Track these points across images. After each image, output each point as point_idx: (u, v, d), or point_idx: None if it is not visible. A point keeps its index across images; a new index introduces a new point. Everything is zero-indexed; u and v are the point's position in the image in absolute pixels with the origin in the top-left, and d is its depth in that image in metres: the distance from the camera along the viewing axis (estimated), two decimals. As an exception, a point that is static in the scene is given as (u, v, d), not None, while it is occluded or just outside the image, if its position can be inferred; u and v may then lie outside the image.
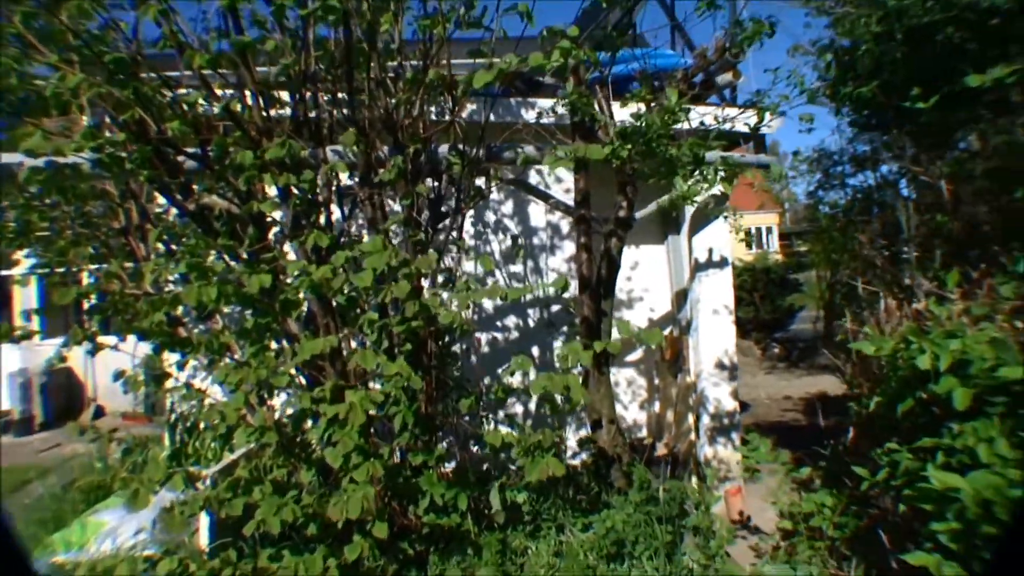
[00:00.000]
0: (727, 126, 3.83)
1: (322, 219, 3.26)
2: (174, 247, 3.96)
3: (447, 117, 3.76)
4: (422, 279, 3.20)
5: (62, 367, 11.06)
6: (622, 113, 4.26)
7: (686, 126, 3.70)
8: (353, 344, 3.58)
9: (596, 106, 3.73)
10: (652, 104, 3.79)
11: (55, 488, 3.98)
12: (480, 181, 3.86)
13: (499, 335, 5.86)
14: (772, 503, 5.10)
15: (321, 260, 2.94)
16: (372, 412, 2.59)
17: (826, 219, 8.62)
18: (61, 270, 4.77)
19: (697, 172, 3.48)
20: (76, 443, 9.67)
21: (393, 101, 3.24)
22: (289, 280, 3.13)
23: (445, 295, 3.03)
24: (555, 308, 5.99)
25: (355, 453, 2.76)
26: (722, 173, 3.83)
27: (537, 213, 6.08)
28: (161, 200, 4.94)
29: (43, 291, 11.67)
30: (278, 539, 3.33)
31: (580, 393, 2.63)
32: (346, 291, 2.76)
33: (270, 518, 2.66)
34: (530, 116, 5.06)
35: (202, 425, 4.75)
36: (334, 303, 3.07)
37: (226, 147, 2.79)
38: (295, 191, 3.02)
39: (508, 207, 6.04)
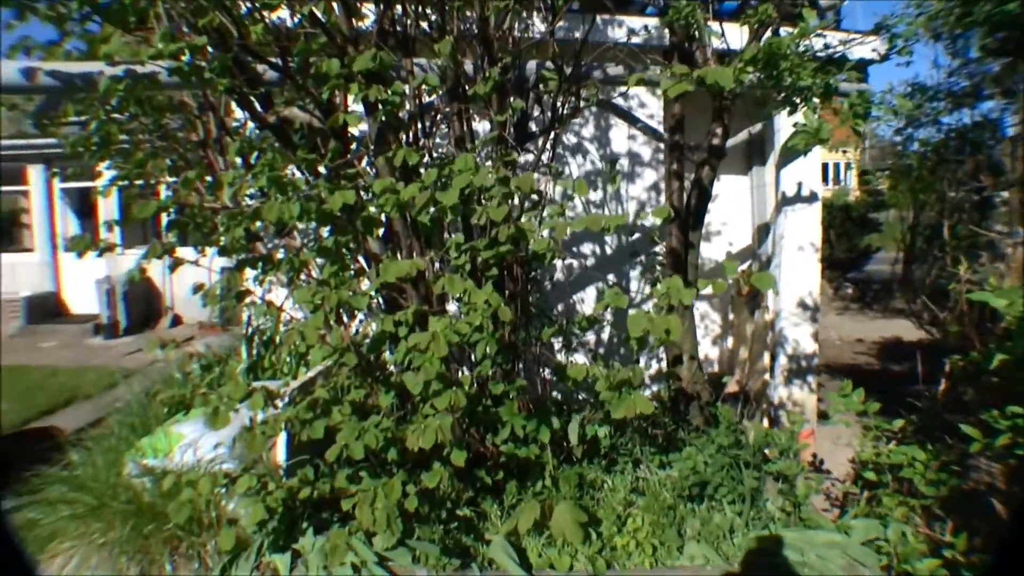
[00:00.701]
0: (851, 52, 3.41)
1: (408, 135, 3.09)
2: (251, 161, 3.87)
3: (540, 31, 3.50)
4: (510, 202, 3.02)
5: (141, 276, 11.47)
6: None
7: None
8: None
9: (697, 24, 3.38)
10: (759, 26, 3.42)
11: (139, 395, 4.09)
12: (570, 100, 3.60)
13: (574, 261, 5.69)
14: (850, 446, 4.89)
15: (406, 178, 2.79)
16: (456, 341, 2.48)
17: (915, 158, 8.11)
18: (139, 183, 4.79)
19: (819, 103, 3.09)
20: (157, 350, 10.11)
21: (487, 11, 2.98)
22: (370, 198, 3.01)
23: (536, 221, 2.84)
24: (634, 236, 5.78)
25: (435, 381, 2.69)
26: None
27: (618, 138, 5.79)
28: (238, 114, 4.86)
29: (122, 202, 12.03)
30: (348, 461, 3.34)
31: (679, 334, 2.45)
32: (431, 212, 2.61)
33: (352, 443, 2.62)
34: (617, 35, 4.73)
35: (278, 339, 4.79)
36: (419, 224, 2.94)
37: (309, 55, 2.62)
38: (380, 106, 2.84)
39: (587, 131, 5.77)
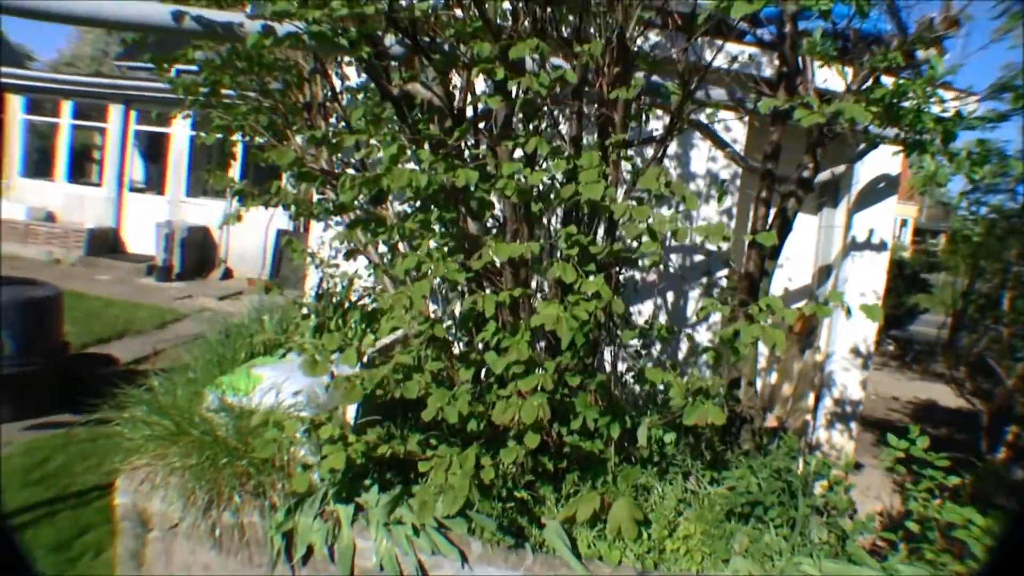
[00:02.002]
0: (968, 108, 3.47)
1: (540, 125, 3.22)
2: (354, 126, 4.01)
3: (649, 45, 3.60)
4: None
5: (199, 226, 11.82)
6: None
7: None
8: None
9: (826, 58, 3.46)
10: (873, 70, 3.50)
11: (219, 336, 4.25)
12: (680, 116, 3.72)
13: (637, 273, 5.78)
14: (879, 499, 4.88)
15: (527, 166, 2.91)
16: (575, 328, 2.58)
17: (983, 223, 8.00)
18: (235, 137, 4.97)
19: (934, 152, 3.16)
20: (205, 298, 10.46)
21: (628, 20, 3.09)
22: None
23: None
24: (698, 257, 5.85)
25: (515, 364, 2.80)
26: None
27: (697, 159, 5.87)
28: (335, 82, 5.04)
29: (192, 152, 12.39)
30: (416, 427, 3.48)
31: (784, 348, 2.54)
32: (556, 202, 2.72)
33: (447, 408, 2.75)
34: (717, 60, 4.85)
35: (346, 305, 4.93)
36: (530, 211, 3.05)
37: (464, 38, 2.74)
38: (522, 93, 2.95)
39: (669, 149, 5.85)
